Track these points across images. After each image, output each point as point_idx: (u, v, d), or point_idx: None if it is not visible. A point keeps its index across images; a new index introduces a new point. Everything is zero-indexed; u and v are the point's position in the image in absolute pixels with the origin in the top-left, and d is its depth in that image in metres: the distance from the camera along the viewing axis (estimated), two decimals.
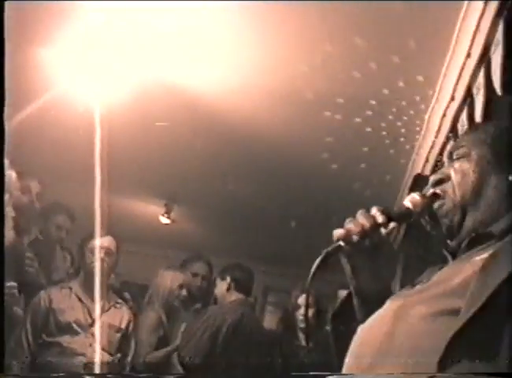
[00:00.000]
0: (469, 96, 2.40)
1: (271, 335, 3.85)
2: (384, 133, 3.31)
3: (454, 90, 2.62)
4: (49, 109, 3.15)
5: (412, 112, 3.13)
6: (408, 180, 3.48)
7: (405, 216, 1.24)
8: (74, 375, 2.75)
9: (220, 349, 3.23)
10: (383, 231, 1.21)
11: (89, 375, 2.86)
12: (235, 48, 2.80)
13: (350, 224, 1.19)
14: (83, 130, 3.14)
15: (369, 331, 1.14)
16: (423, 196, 1.24)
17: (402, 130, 3.23)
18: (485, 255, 1.06)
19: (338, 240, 1.18)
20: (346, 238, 1.17)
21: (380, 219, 1.19)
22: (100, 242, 3.20)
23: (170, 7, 2.50)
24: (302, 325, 3.49)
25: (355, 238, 1.17)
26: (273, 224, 4.73)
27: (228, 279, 3.56)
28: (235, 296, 3.53)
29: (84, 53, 2.84)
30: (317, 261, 1.15)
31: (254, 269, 4.42)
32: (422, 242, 2.53)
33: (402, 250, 2.97)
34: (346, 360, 1.15)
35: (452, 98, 2.66)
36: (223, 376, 3.14)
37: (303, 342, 3.52)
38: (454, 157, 1.27)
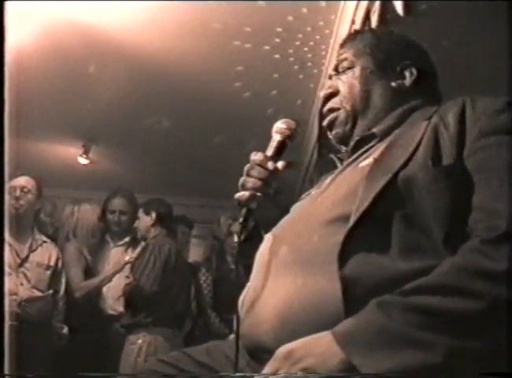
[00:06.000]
0: (367, 19, 2.56)
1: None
2: (292, 59, 3.41)
3: (354, 14, 2.76)
4: None
5: (318, 37, 3.23)
6: (317, 103, 3.62)
7: (282, 147, 1.24)
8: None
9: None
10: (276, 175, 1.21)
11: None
12: None
13: (248, 184, 1.19)
14: None
15: (273, 240, 1.16)
16: (285, 122, 1.24)
17: (309, 55, 3.34)
18: (370, 160, 1.11)
19: (245, 204, 1.17)
20: (252, 199, 1.17)
21: (269, 165, 1.20)
22: (16, 181, 3.14)
23: None
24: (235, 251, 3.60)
25: (259, 194, 1.18)
26: (192, 156, 4.79)
27: (154, 214, 3.58)
28: (158, 230, 3.56)
29: None
30: (237, 236, 1.15)
31: (176, 202, 4.42)
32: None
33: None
34: (254, 268, 1.17)
35: (353, 22, 2.80)
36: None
37: (233, 266, 3.63)
38: (340, 69, 1.30)
